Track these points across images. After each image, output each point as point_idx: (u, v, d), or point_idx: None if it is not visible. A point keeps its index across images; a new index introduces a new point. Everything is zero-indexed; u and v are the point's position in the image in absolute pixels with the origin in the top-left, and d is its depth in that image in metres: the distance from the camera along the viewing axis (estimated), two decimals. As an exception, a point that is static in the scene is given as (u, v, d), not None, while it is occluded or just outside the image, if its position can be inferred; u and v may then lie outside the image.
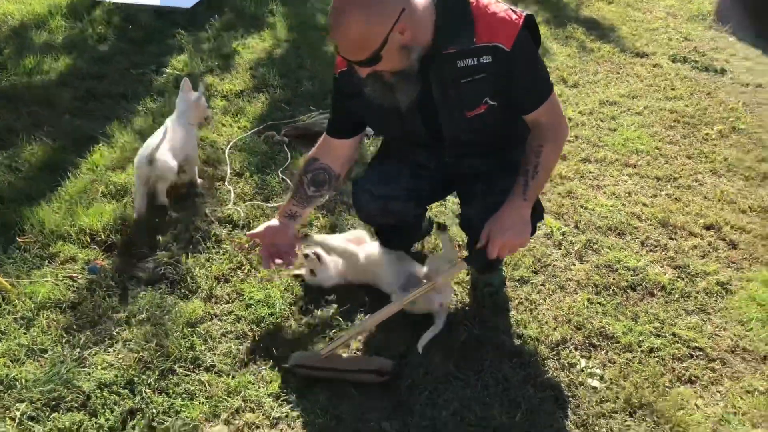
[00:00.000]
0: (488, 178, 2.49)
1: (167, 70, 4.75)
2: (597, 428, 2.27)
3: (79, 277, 2.79)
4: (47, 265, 2.84)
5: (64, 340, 2.48)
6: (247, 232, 2.69)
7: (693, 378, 2.50)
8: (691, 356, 2.60)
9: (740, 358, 2.61)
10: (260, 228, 2.57)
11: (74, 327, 2.55)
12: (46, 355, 2.42)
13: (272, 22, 5.73)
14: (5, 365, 2.33)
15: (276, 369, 2.41)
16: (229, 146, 3.82)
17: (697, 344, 2.64)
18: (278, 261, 2.57)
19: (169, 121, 3.31)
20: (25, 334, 2.49)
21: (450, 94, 2.28)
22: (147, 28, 5.35)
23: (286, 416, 2.24)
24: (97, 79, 4.55)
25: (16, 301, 2.62)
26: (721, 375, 2.53)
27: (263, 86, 4.59)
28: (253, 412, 2.25)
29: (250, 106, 4.33)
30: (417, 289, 2.40)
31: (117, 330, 2.55)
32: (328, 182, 2.58)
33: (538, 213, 2.50)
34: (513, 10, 2.20)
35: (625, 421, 2.30)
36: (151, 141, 3.14)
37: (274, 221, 2.59)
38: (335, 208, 3.35)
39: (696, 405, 2.38)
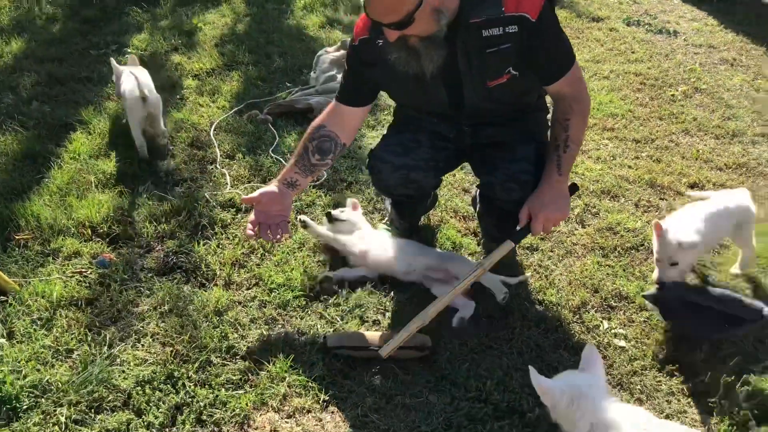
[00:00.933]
0: (509, 148, 2.52)
1: (129, 50, 4.55)
2: (632, 386, 2.37)
3: (89, 272, 2.69)
4: (52, 262, 2.72)
5: (89, 339, 2.39)
6: (243, 197, 2.59)
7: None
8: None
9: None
10: (255, 194, 2.44)
11: (96, 324, 2.46)
12: (73, 356, 2.33)
13: (228, -4, 5.57)
14: (35, 369, 2.23)
15: (315, 352, 2.39)
16: (213, 127, 3.72)
17: (703, 298, 2.76)
18: (269, 234, 2.46)
19: (127, 68, 3.47)
20: (46, 335, 2.38)
21: (474, 63, 2.29)
22: (99, 6, 5.09)
23: (335, 398, 2.24)
24: (57, 61, 4.33)
25: (30, 301, 2.50)
26: (732, 326, 2.66)
27: (234, 63, 4.48)
28: (301, 397, 2.24)
29: (225, 85, 4.22)
30: (468, 276, 2.41)
31: (141, 324, 2.47)
32: (333, 151, 2.52)
33: (571, 187, 2.55)
34: None
35: (656, 377, 2.40)
36: (128, 83, 3.31)
37: (272, 187, 2.47)
38: (336, 186, 3.32)
39: (715, 357, 2.50)
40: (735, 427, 2.18)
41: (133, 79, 3.31)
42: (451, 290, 2.38)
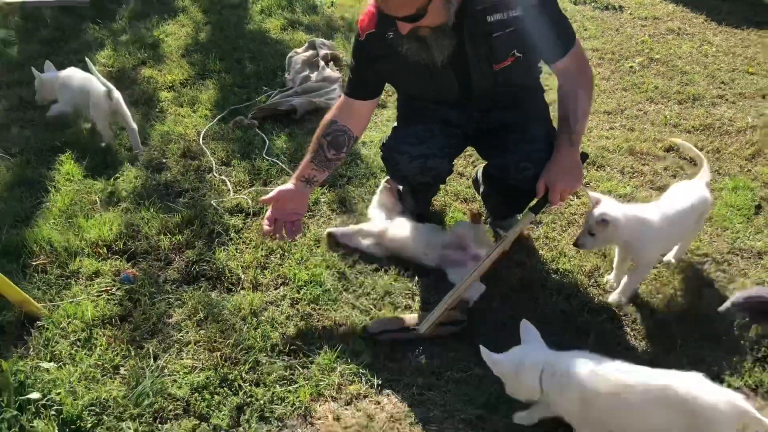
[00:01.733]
0: (518, 128, 2.64)
1: (96, 68, 4.47)
2: (655, 338, 2.53)
3: (115, 289, 2.69)
4: (75, 284, 2.71)
5: (132, 353, 2.40)
6: (261, 198, 2.64)
7: (711, 281, 2.82)
8: (702, 262, 2.92)
9: (740, 257, 2.97)
10: (273, 193, 2.53)
11: (136, 338, 2.48)
12: (121, 372, 2.34)
13: (183, 6, 5.56)
14: (87, 389, 2.24)
15: (358, 340, 2.47)
16: (201, 136, 3.73)
17: (702, 251, 2.97)
18: (285, 233, 2.57)
19: (78, 71, 3.72)
20: (89, 355, 2.38)
21: (481, 48, 2.40)
22: (55, 26, 5.00)
23: (388, 381, 2.33)
24: (24, 85, 4.23)
25: (64, 324, 2.49)
26: (732, 274, 2.86)
27: (206, 72, 4.48)
28: (355, 384, 2.32)
29: (202, 94, 4.22)
30: (495, 248, 2.52)
31: (180, 334, 2.50)
32: (346, 144, 2.61)
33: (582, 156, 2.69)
34: None
35: (677, 327, 2.57)
36: (90, 82, 3.53)
37: (288, 185, 2.56)
38: (337, 182, 3.38)
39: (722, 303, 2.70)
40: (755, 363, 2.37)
41: (95, 79, 3.50)
42: (480, 264, 2.49)
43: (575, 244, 2.61)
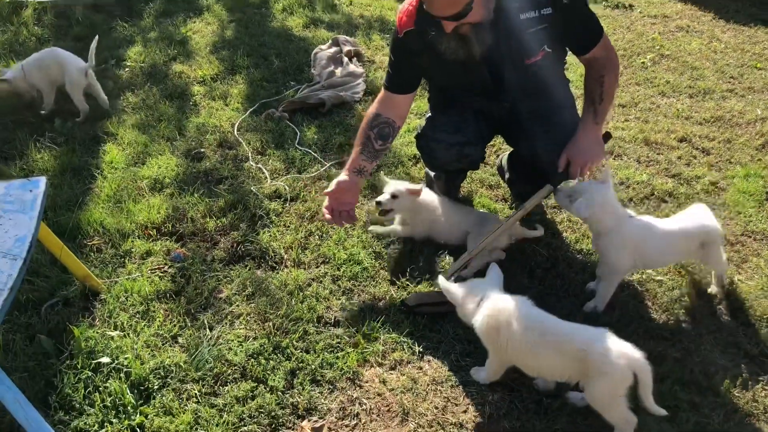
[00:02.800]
0: (545, 116, 2.80)
1: (128, 63, 4.67)
2: (675, 310, 2.71)
3: (167, 267, 2.86)
4: (129, 262, 2.88)
5: (188, 324, 2.58)
6: (324, 191, 2.81)
7: (726, 260, 2.99)
8: (717, 244, 3.09)
9: (752, 239, 3.14)
10: (332, 185, 2.73)
11: (190, 311, 2.65)
12: (180, 341, 2.52)
13: (207, 4, 5.73)
14: (151, 355, 2.42)
15: (397, 313, 2.65)
16: (236, 128, 3.90)
17: (717, 234, 3.14)
18: (342, 221, 2.76)
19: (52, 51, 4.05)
20: (149, 326, 2.56)
21: (513, 44, 2.57)
22: (86, 24, 5.17)
23: (428, 348, 2.50)
24: (61, 80, 4.39)
25: (123, 298, 2.67)
26: (746, 255, 3.04)
27: (235, 68, 4.65)
28: (397, 351, 2.49)
29: (233, 89, 4.39)
30: (514, 215, 2.71)
31: (231, 308, 2.68)
32: (392, 135, 2.80)
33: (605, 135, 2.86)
34: None
35: (696, 301, 2.75)
36: (71, 59, 3.95)
37: (343, 177, 2.74)
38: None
39: (739, 280, 2.87)
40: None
41: (74, 57, 3.96)
42: (502, 226, 2.67)
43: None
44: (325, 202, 2.75)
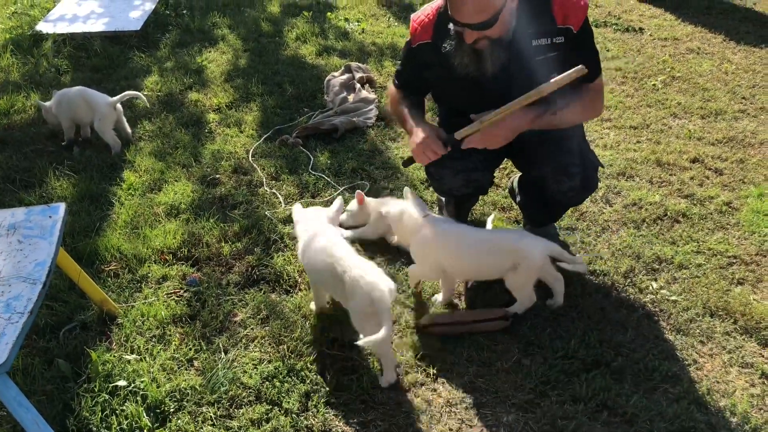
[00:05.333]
0: (553, 143, 2.79)
1: (145, 93, 4.76)
2: (691, 331, 2.70)
3: (183, 291, 2.90)
4: (145, 287, 2.92)
5: (204, 348, 2.61)
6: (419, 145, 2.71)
7: (741, 280, 2.98)
8: (731, 264, 3.09)
9: (767, 258, 3.13)
10: (423, 135, 2.68)
11: (206, 335, 2.68)
12: (195, 364, 2.54)
13: (222, 35, 5.82)
14: (167, 378, 2.44)
15: (412, 335, 2.66)
16: (250, 154, 3.96)
17: (731, 253, 3.13)
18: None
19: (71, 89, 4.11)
20: (165, 349, 2.59)
21: (524, 68, 2.60)
22: (104, 55, 5.29)
23: (442, 370, 2.51)
24: (79, 110, 4.49)
25: (140, 322, 2.70)
26: (761, 274, 3.03)
27: (249, 95, 4.73)
28: (412, 374, 2.50)
29: (247, 116, 4.46)
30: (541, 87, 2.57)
31: (246, 331, 2.70)
32: (423, 102, 2.99)
33: (594, 165, 2.87)
34: None
35: (710, 321, 2.74)
36: (99, 96, 4.00)
37: (426, 128, 2.71)
38: (381, 193, 3.59)
39: (754, 300, 2.86)
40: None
41: (99, 94, 4.03)
42: (529, 94, 2.54)
43: None
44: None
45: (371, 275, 2.36)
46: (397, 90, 2.92)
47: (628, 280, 2.98)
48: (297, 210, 2.87)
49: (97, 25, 5.69)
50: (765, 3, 6.52)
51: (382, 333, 2.22)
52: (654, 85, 4.91)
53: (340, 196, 2.99)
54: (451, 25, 2.46)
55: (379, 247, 3.20)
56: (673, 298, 2.86)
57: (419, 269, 2.81)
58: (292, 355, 2.56)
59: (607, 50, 5.55)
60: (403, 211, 2.79)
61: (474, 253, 2.68)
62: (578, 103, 2.64)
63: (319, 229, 2.66)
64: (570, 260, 2.72)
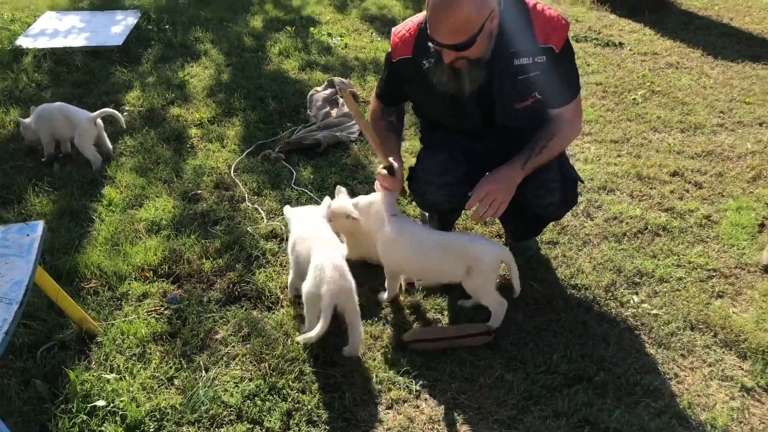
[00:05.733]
0: None
1: (127, 108, 4.74)
2: (672, 344, 2.71)
3: (163, 309, 2.87)
4: (126, 304, 2.89)
5: (185, 366, 2.58)
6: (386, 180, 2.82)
7: (721, 293, 3.01)
8: (711, 277, 3.11)
9: (746, 271, 3.16)
10: (398, 175, 2.79)
11: (186, 353, 2.65)
12: (176, 382, 2.52)
13: (204, 49, 5.82)
14: (147, 397, 2.41)
15: (394, 351, 2.65)
16: (232, 169, 3.95)
17: (711, 266, 3.16)
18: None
19: (46, 107, 4.06)
20: (145, 368, 2.56)
21: (506, 87, 2.61)
22: (85, 70, 5.26)
23: (425, 387, 2.50)
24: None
25: (120, 340, 2.67)
26: (740, 287, 3.05)
27: (232, 110, 4.72)
28: (394, 390, 2.49)
29: (229, 131, 4.45)
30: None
31: (228, 349, 2.68)
32: (404, 115, 3.05)
33: (573, 179, 2.89)
34: (561, 15, 2.57)
35: (691, 335, 2.76)
36: (79, 112, 4.00)
37: (398, 164, 2.81)
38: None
39: (734, 313, 2.88)
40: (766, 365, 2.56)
41: (76, 109, 4.04)
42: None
43: None
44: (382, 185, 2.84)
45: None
46: (377, 101, 2.94)
47: (610, 294, 2.99)
48: (288, 209, 2.98)
49: (78, 40, 5.67)
50: (740, 19, 6.63)
51: (315, 332, 2.40)
52: (634, 99, 4.97)
53: (327, 197, 3.03)
54: (430, 43, 2.47)
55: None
56: (654, 311, 2.88)
57: (385, 267, 2.87)
58: (274, 373, 2.54)
59: (588, 65, 5.61)
60: (372, 203, 2.85)
61: (430, 254, 2.71)
62: (560, 133, 2.68)
63: (314, 235, 2.72)
64: (515, 274, 2.70)
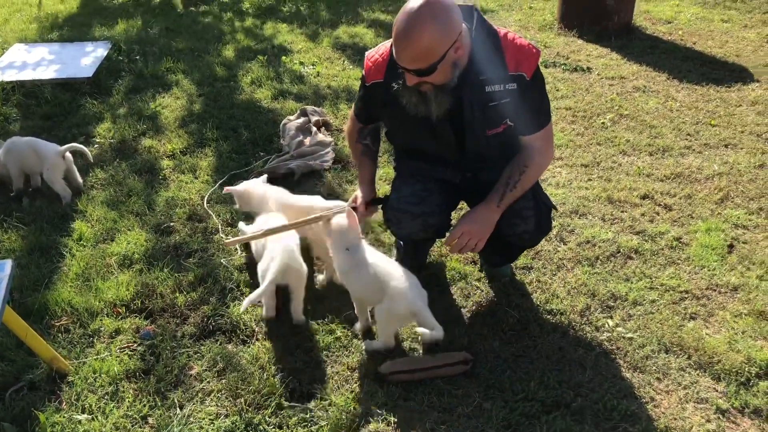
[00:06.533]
0: None
1: (97, 140, 4.70)
2: (647, 368, 2.73)
3: (136, 345, 2.83)
4: (98, 342, 2.85)
5: (158, 404, 2.54)
6: (359, 207, 2.89)
7: (693, 315, 3.04)
8: (683, 299, 3.15)
9: (717, 292, 3.20)
10: (361, 201, 2.90)
11: (160, 390, 2.61)
12: (150, 421, 2.47)
13: (176, 80, 5.81)
14: (120, 438, 2.37)
15: (371, 383, 2.63)
16: (205, 200, 3.92)
17: (683, 288, 3.20)
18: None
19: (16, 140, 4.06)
20: (118, 407, 2.52)
21: (477, 114, 2.64)
22: (54, 102, 5.22)
23: (403, 418, 2.48)
24: (30, 158, 4.40)
25: (92, 379, 2.62)
26: (712, 308, 3.09)
27: (204, 140, 4.70)
28: (372, 423, 2.47)
29: (202, 161, 4.43)
30: (308, 218, 2.95)
31: (202, 384, 2.64)
32: (379, 139, 3.04)
33: (548, 207, 2.92)
34: (531, 43, 2.61)
35: (666, 358, 2.78)
36: (48, 146, 3.98)
37: (370, 192, 2.95)
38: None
39: (707, 334, 2.92)
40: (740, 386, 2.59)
41: (44, 143, 4.01)
42: (288, 224, 2.97)
43: None
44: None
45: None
46: (354, 120, 2.99)
47: (585, 319, 3.01)
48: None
49: (47, 72, 5.62)
50: (703, 42, 6.79)
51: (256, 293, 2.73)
52: (603, 123, 5.04)
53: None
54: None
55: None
56: (629, 335, 2.90)
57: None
58: (250, 409, 2.51)
59: (557, 90, 5.69)
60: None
61: (364, 277, 2.69)
62: (532, 164, 2.71)
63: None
64: (430, 325, 2.54)
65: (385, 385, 2.63)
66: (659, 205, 3.93)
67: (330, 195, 4.00)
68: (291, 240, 2.92)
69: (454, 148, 2.78)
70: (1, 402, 2.51)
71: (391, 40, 2.51)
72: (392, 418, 2.48)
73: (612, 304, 3.10)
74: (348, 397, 2.56)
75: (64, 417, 2.43)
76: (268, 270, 2.78)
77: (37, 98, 5.28)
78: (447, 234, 2.87)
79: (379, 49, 2.74)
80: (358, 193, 2.94)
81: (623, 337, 2.89)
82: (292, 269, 2.82)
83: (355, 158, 3.01)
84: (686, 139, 4.78)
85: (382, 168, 4.24)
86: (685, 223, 3.75)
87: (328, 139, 4.64)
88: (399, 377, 2.64)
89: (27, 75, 5.56)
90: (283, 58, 6.29)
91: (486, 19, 2.60)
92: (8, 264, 2.32)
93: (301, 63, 6.21)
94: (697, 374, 2.70)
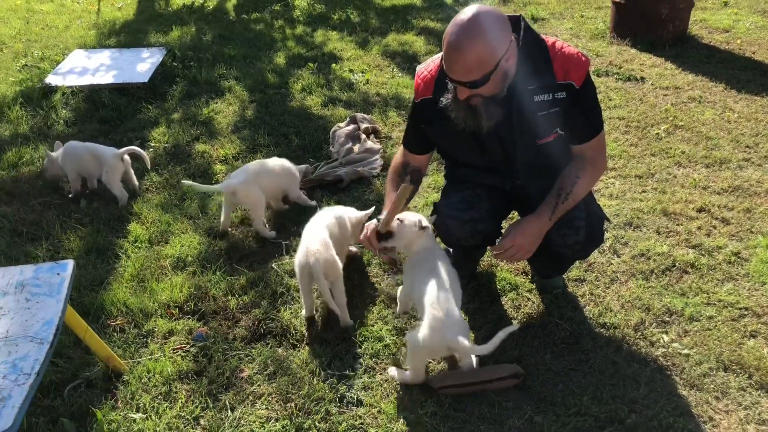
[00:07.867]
0: None
1: (152, 144, 4.80)
2: (705, 386, 2.66)
3: (189, 346, 2.87)
4: (152, 342, 2.90)
5: (210, 406, 2.57)
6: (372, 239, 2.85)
7: (754, 333, 2.95)
8: (743, 316, 3.05)
9: (779, 310, 3.10)
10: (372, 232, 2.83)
11: (212, 392, 2.64)
12: (201, 423, 2.50)
13: (229, 86, 5.90)
14: (172, 438, 2.40)
15: (420, 392, 2.62)
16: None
17: (743, 305, 3.11)
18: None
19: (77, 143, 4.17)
20: (171, 407, 2.55)
21: (526, 124, 2.62)
22: (112, 107, 5.35)
23: (452, 429, 2.47)
24: (88, 161, 4.52)
25: (146, 379, 2.67)
26: (773, 326, 2.99)
27: (256, 146, 4.76)
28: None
29: (254, 167, 4.47)
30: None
31: (253, 387, 2.66)
32: (420, 181, 2.88)
33: (599, 218, 2.86)
34: (581, 52, 2.58)
35: (725, 376, 2.70)
36: (106, 149, 4.08)
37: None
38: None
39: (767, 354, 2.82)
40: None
41: (103, 146, 4.13)
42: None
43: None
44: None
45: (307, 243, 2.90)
46: (403, 150, 2.97)
47: (639, 333, 2.94)
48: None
49: (105, 78, 5.77)
50: (763, 52, 6.61)
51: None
52: (657, 134, 4.94)
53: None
54: (447, 79, 2.49)
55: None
56: (686, 351, 2.83)
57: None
58: (300, 413, 2.52)
59: (610, 99, 5.60)
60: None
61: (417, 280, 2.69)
62: (584, 175, 2.67)
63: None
64: (470, 351, 2.57)
65: (435, 395, 2.61)
66: (716, 218, 3.83)
67: (379, 202, 4.01)
68: (322, 232, 3.01)
69: (503, 160, 2.76)
70: (59, 398, 2.57)
71: (441, 53, 2.51)
72: (442, 428, 2.46)
73: (667, 319, 3.03)
74: (397, 406, 2.54)
75: (119, 415, 2.48)
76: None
77: (95, 103, 5.42)
78: (497, 241, 2.83)
79: (429, 65, 2.74)
80: (373, 222, 2.86)
81: (679, 354, 2.82)
82: (325, 260, 2.87)
83: (389, 186, 2.95)
84: (745, 151, 4.65)
85: (431, 176, 4.23)
86: (744, 238, 3.64)
87: (377, 146, 4.66)
88: (449, 391, 2.61)
89: (86, 80, 5.72)
90: (333, 65, 6.34)
91: (533, 29, 2.58)
92: (70, 264, 2.38)
93: (351, 70, 6.24)
94: (759, 395, 2.61)
